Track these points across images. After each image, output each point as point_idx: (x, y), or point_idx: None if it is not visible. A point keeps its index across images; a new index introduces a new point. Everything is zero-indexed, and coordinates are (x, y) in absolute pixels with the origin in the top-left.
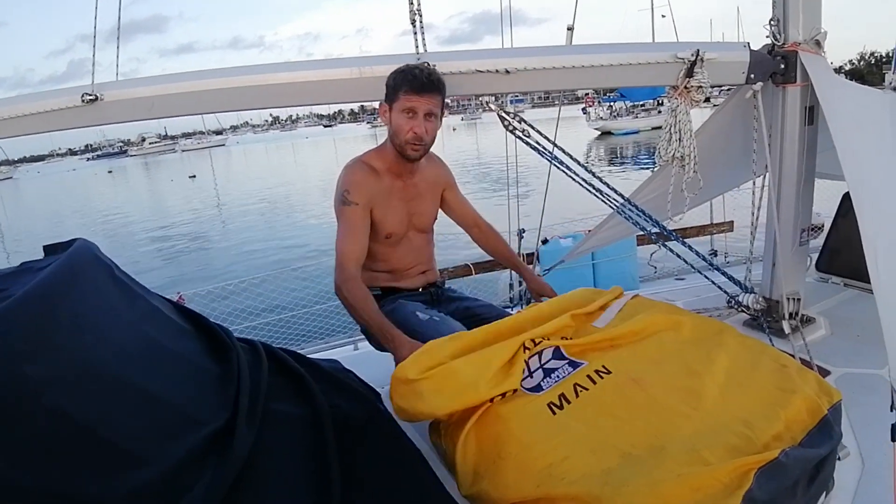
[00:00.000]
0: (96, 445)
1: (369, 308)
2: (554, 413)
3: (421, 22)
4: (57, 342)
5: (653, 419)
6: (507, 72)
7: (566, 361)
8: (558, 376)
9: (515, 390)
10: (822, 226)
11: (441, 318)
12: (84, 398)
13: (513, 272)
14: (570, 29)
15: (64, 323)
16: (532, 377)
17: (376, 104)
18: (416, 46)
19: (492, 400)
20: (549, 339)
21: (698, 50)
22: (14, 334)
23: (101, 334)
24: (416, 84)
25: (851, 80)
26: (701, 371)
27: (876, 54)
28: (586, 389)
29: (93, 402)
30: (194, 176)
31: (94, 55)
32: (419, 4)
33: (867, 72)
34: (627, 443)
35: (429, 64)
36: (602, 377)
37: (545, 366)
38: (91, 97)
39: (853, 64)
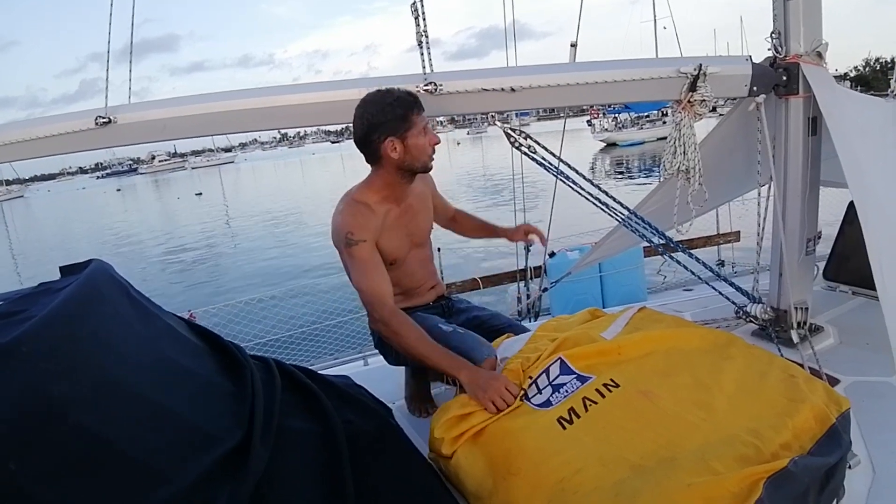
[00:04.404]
0: (119, 462)
1: (426, 341)
2: (564, 428)
3: (427, 43)
4: (80, 362)
5: (662, 431)
6: (513, 90)
7: (574, 376)
8: (567, 391)
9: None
10: (820, 233)
11: (464, 330)
12: (107, 416)
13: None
14: (574, 45)
15: (86, 343)
16: (541, 393)
17: None
18: (423, 67)
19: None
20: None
21: (701, 64)
22: (40, 355)
23: (120, 353)
24: (418, 102)
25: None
26: (709, 382)
27: (881, 60)
28: (595, 403)
29: (115, 420)
30: (200, 193)
31: (107, 78)
32: (425, 26)
33: (872, 78)
34: (638, 455)
35: (435, 84)
36: (611, 390)
37: (553, 381)
38: (105, 120)
39: (858, 70)
